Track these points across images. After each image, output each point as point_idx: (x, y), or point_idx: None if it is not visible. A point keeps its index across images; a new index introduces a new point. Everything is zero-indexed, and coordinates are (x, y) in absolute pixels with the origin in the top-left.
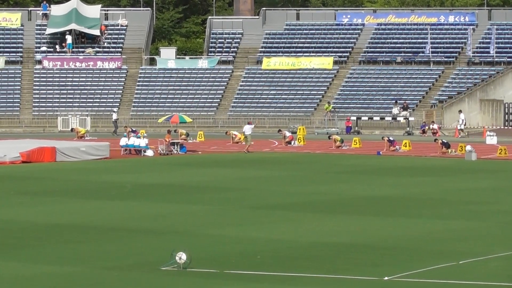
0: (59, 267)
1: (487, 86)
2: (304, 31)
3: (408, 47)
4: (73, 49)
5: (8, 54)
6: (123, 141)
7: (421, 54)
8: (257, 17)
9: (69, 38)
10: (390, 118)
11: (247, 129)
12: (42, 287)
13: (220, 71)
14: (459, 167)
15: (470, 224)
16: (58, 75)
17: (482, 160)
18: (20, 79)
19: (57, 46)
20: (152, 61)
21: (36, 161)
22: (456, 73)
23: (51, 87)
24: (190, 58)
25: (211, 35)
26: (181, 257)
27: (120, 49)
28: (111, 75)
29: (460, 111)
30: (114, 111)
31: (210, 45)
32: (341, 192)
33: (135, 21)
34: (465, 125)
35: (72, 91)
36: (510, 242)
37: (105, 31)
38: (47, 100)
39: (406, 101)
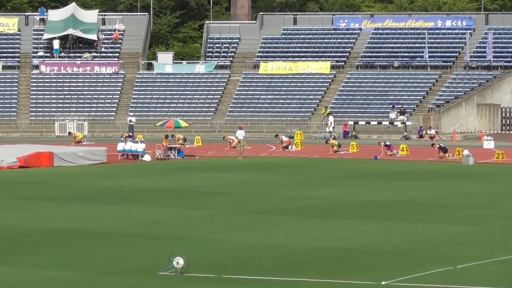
0: (57, 272)
1: (484, 91)
2: (301, 36)
3: (406, 51)
4: (60, 55)
5: (5, 59)
6: (120, 146)
7: (418, 59)
8: (254, 21)
9: (56, 43)
10: (387, 123)
11: (240, 134)
12: None
13: (217, 76)
14: (456, 171)
15: (468, 228)
16: (55, 80)
17: (480, 164)
18: (17, 84)
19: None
20: (150, 66)
21: (34, 166)
22: (454, 77)
23: (48, 92)
24: (188, 63)
25: (208, 40)
26: (179, 261)
27: (117, 54)
28: (109, 80)
29: (329, 114)
30: (130, 115)
31: (207, 50)
32: (339, 196)
33: (132, 26)
34: (333, 128)
35: (70, 96)
36: (508, 246)
37: (119, 39)
38: (45, 105)
39: (403, 106)
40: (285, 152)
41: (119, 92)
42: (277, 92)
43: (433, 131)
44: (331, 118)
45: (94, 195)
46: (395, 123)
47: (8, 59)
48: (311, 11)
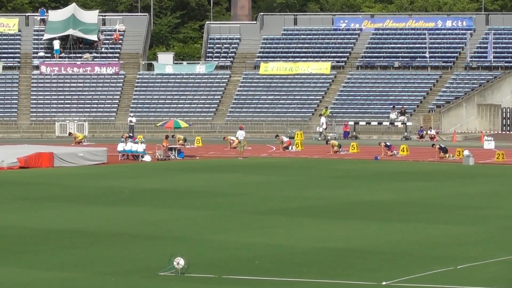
0: (57, 273)
1: (484, 91)
2: (302, 36)
3: (406, 52)
4: (60, 55)
5: (5, 60)
6: (121, 147)
7: (418, 59)
8: (255, 22)
9: (56, 44)
10: (387, 123)
11: (240, 134)
12: None
13: (217, 76)
14: (457, 172)
15: (468, 228)
16: (56, 81)
17: (480, 164)
18: (17, 85)
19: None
20: (150, 67)
21: (34, 166)
22: (454, 78)
23: (48, 93)
24: (188, 63)
25: (209, 40)
26: (179, 262)
27: (117, 55)
28: (109, 81)
29: (320, 115)
30: (130, 115)
31: (208, 50)
32: (340, 197)
33: (132, 26)
34: (325, 128)
35: (70, 97)
36: (508, 246)
37: (120, 39)
38: (45, 105)
39: (404, 106)
40: (285, 153)
41: (120, 93)
42: (278, 93)
43: (433, 132)
44: (323, 119)
45: (95, 196)
46: (396, 123)
47: (8, 59)
48: (312, 12)
